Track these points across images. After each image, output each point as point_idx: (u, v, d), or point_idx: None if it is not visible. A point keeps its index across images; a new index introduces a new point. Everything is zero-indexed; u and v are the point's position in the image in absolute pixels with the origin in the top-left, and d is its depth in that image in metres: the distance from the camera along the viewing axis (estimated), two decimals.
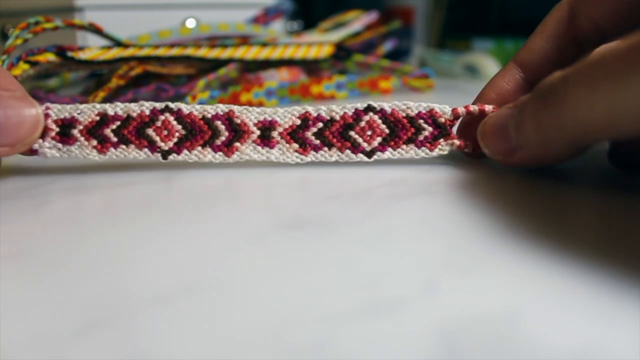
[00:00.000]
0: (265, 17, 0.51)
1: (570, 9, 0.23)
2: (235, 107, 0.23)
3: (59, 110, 0.22)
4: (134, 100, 0.26)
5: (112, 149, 0.22)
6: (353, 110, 0.23)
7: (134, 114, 0.22)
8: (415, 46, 0.71)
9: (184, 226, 0.18)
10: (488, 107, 0.23)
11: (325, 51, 0.44)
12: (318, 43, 0.45)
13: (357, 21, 0.52)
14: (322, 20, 0.54)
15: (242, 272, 0.15)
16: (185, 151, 0.23)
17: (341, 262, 0.15)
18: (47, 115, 0.22)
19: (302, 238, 0.17)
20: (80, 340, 0.12)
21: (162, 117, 0.22)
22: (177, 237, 0.17)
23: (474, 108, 0.23)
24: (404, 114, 0.23)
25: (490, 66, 0.54)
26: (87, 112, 0.22)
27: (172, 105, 0.23)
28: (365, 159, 0.23)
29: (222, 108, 0.23)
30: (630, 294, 0.13)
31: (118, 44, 0.37)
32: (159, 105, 0.23)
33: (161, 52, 0.36)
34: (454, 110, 0.23)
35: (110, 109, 0.22)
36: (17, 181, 0.22)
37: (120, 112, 0.22)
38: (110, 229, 0.18)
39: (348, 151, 0.23)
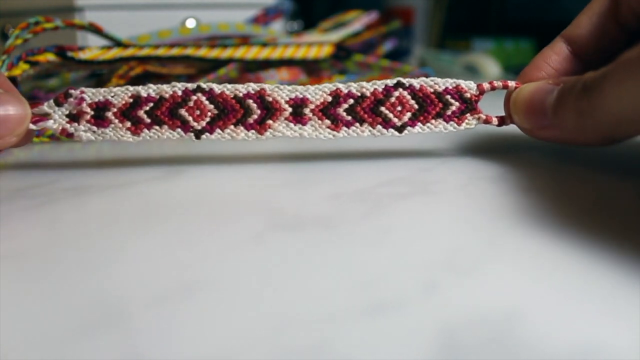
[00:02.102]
0: (265, 17, 0.51)
1: None
2: (266, 86, 0.23)
3: (93, 94, 0.23)
4: None
5: (145, 130, 0.23)
6: (383, 87, 0.24)
7: (167, 95, 0.23)
8: (415, 46, 0.71)
9: (183, 226, 0.18)
10: (511, 83, 0.24)
11: (325, 51, 0.43)
12: (318, 43, 0.45)
13: (357, 21, 0.52)
14: (322, 20, 0.54)
15: (242, 272, 0.15)
16: (218, 130, 0.23)
17: (341, 262, 0.15)
18: (82, 99, 0.22)
19: (302, 238, 0.17)
20: (80, 340, 0.12)
21: (194, 97, 0.23)
22: (177, 237, 0.17)
23: (498, 84, 0.24)
24: (431, 90, 0.24)
25: (490, 66, 0.54)
26: (120, 94, 0.23)
27: (204, 85, 0.23)
28: (397, 133, 0.24)
29: (253, 87, 0.23)
30: (631, 294, 0.13)
31: (118, 44, 0.37)
32: (191, 85, 0.23)
33: (161, 52, 0.36)
34: (479, 85, 0.24)
35: (143, 90, 0.23)
36: (17, 181, 0.22)
37: (153, 94, 0.23)
38: (109, 229, 0.18)
39: (379, 126, 0.24)
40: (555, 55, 0.25)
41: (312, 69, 0.44)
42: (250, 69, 0.41)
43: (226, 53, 0.39)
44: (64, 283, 0.14)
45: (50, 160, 0.26)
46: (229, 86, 0.23)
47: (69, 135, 0.23)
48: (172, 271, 0.15)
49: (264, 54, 0.41)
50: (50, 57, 0.32)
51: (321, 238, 0.17)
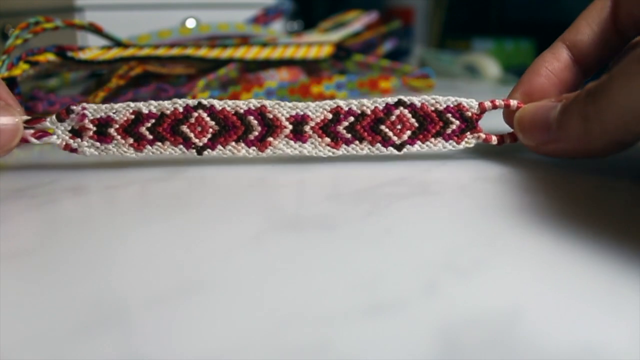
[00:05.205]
0: (265, 17, 0.51)
1: (613, 1, 0.24)
2: (267, 102, 0.24)
3: (95, 111, 0.23)
4: (134, 100, 0.26)
5: (148, 146, 0.23)
6: (384, 105, 0.24)
7: (168, 112, 0.23)
8: (415, 46, 0.71)
9: (183, 226, 0.18)
10: (513, 102, 0.24)
11: (325, 51, 0.43)
12: (318, 43, 0.45)
13: (357, 21, 0.52)
14: (322, 20, 0.54)
15: (242, 272, 0.15)
16: (220, 146, 0.23)
17: (341, 262, 0.15)
18: (84, 115, 0.23)
19: (302, 238, 0.17)
20: (79, 340, 0.12)
21: (195, 114, 0.23)
22: (177, 237, 0.17)
23: (499, 102, 0.24)
24: (432, 108, 0.24)
25: (490, 66, 0.54)
26: (122, 111, 0.23)
27: (204, 101, 0.23)
28: (395, 152, 0.24)
29: (254, 103, 0.23)
30: (631, 294, 0.13)
31: (118, 44, 0.37)
32: (192, 102, 0.23)
33: (161, 52, 0.36)
34: (480, 104, 0.24)
35: (144, 107, 0.23)
36: (17, 181, 0.22)
37: (154, 110, 0.23)
38: (109, 229, 0.18)
39: (379, 144, 0.24)
40: (557, 61, 0.24)
41: (312, 69, 0.44)
42: (250, 69, 0.41)
43: (226, 53, 0.39)
44: (64, 283, 0.14)
45: (50, 160, 0.26)
46: (229, 102, 0.23)
47: (73, 151, 0.23)
48: (172, 271, 0.15)
49: (264, 54, 0.41)
50: (50, 57, 0.32)
51: (321, 238, 0.17)
